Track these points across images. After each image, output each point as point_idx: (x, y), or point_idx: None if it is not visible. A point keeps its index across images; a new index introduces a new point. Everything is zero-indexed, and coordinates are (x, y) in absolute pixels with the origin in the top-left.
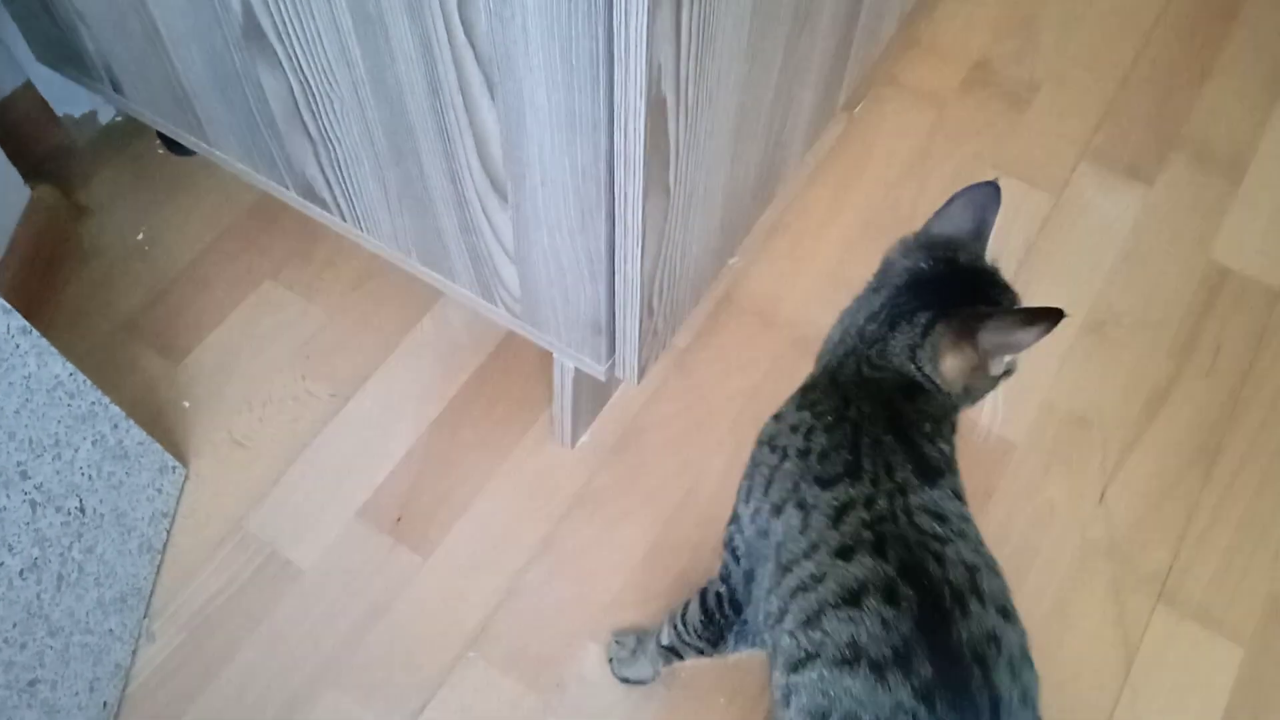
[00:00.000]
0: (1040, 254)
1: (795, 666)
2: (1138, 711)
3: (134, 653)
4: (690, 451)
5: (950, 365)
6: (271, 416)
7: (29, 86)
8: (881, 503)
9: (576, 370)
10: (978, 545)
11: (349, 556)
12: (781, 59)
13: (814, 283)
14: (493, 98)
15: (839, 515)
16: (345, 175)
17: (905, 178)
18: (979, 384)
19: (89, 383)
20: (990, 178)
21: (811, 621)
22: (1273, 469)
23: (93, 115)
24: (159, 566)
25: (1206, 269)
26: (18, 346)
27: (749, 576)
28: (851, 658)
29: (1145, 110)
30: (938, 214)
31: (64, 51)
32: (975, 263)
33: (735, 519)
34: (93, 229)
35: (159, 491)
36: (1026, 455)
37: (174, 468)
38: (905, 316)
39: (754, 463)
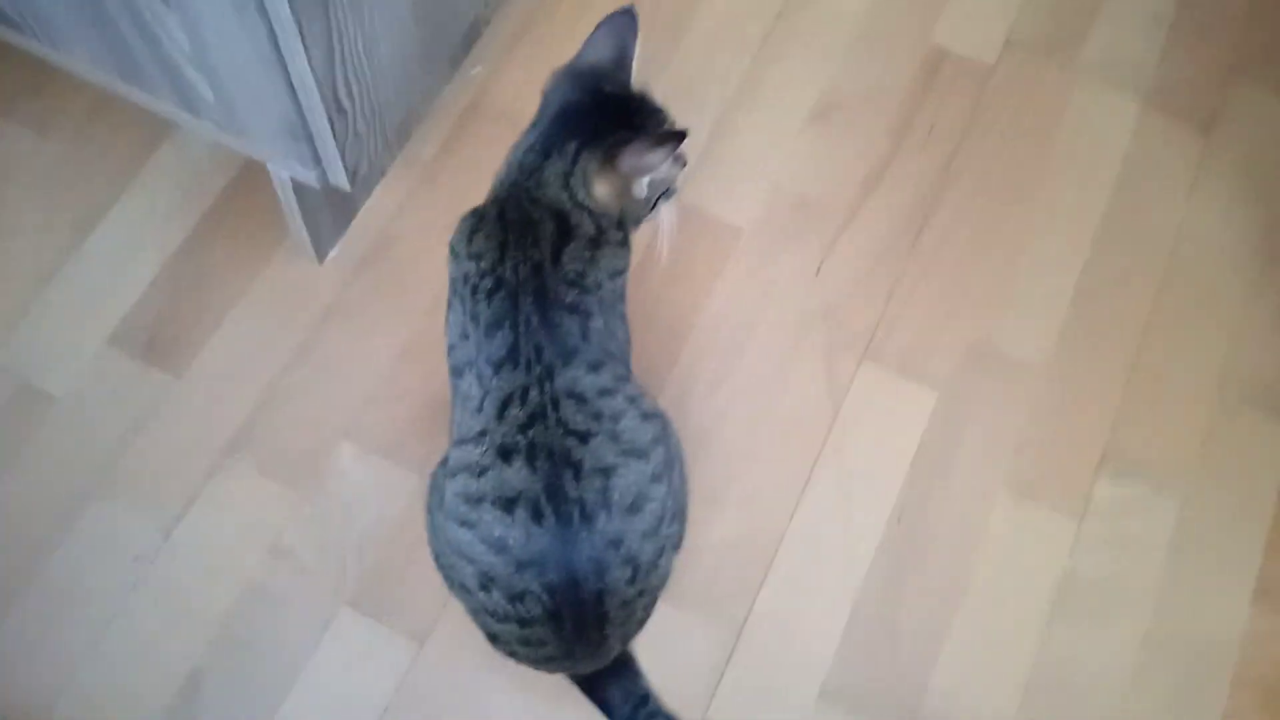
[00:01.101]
0: (774, 46)
1: (461, 519)
2: (843, 452)
3: None
4: (436, 258)
5: (599, 190)
6: (12, 250)
7: None
8: (534, 394)
9: (296, 182)
10: (616, 429)
11: (103, 382)
12: None
13: None
14: None
15: (503, 407)
16: None
17: None
18: (631, 207)
19: None
20: None
21: (473, 501)
22: (975, 234)
23: None
24: None
25: (928, 52)
26: None
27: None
28: (499, 548)
29: None
30: (584, 45)
31: None
32: (621, 90)
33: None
34: None
35: None
36: (753, 238)
37: None
38: (556, 147)
39: (450, 289)
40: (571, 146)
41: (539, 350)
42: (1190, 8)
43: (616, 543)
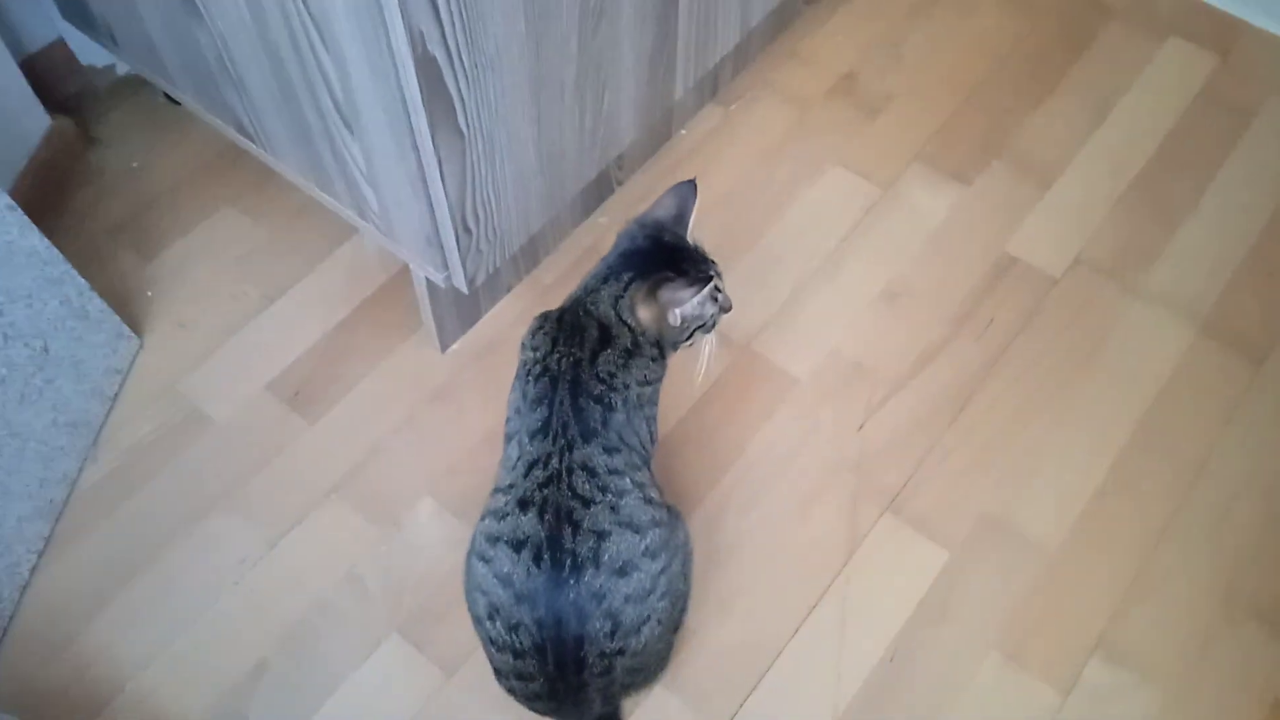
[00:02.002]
0: (860, 235)
1: (481, 555)
2: (850, 589)
3: (81, 469)
4: None
5: (642, 314)
6: (213, 308)
7: (60, 41)
8: (554, 461)
9: (431, 284)
10: (616, 504)
11: (253, 418)
12: (576, 46)
13: None
14: (326, 49)
15: (530, 468)
16: (258, 113)
17: (760, 164)
18: (668, 332)
19: (60, 256)
20: (832, 171)
21: (492, 540)
22: (1012, 419)
23: (112, 67)
24: (109, 409)
25: (999, 257)
26: (3, 219)
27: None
28: (505, 582)
29: (981, 124)
30: (654, 204)
31: (80, 11)
32: (676, 240)
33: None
34: (100, 156)
35: (114, 352)
36: (807, 389)
37: (130, 337)
38: (615, 275)
39: (515, 374)
40: (626, 276)
41: (565, 427)
42: (1262, 255)
43: (599, 596)
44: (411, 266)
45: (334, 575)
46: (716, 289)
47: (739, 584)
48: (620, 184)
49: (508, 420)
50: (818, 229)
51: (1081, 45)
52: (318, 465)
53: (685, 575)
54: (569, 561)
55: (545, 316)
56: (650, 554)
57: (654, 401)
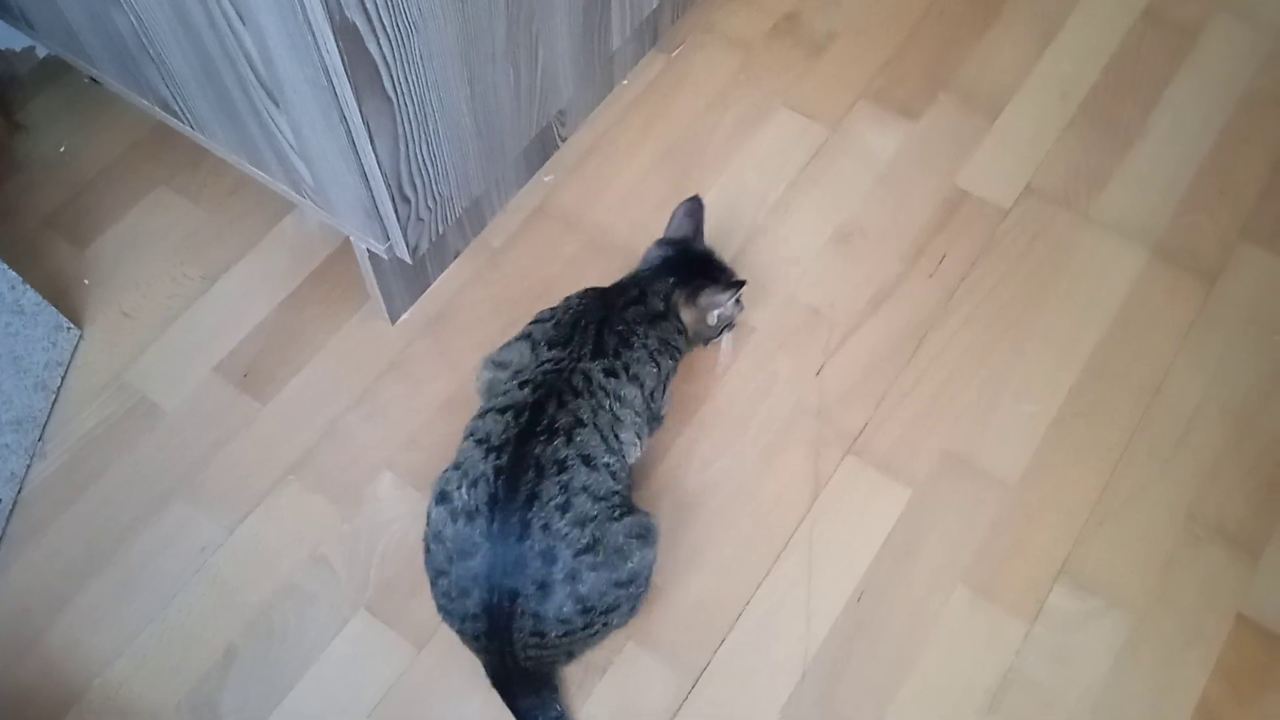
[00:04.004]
0: (809, 177)
1: (469, 432)
2: (816, 533)
3: (28, 466)
4: (489, 328)
5: (686, 316)
6: (153, 293)
7: None
8: (564, 363)
9: (374, 255)
10: (598, 410)
11: (203, 402)
12: (505, 2)
13: (616, 198)
14: (243, 22)
15: (542, 364)
16: (182, 92)
17: (705, 113)
18: (703, 330)
19: None
20: (778, 114)
21: (483, 413)
22: (968, 354)
23: (31, 50)
24: (53, 403)
25: (949, 191)
26: None
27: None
28: (485, 440)
29: (926, 57)
30: (671, 224)
31: None
32: (703, 251)
33: None
34: (25, 142)
35: (54, 345)
36: (764, 338)
37: (69, 329)
38: (660, 276)
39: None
40: (670, 280)
41: (581, 345)
42: (1212, 173)
43: (562, 465)
44: (352, 239)
45: (298, 556)
46: None
47: (705, 536)
48: (564, 140)
49: (501, 347)
50: (767, 174)
51: None
52: (273, 447)
53: (634, 568)
54: (545, 424)
55: (583, 296)
56: (612, 473)
57: (663, 364)
